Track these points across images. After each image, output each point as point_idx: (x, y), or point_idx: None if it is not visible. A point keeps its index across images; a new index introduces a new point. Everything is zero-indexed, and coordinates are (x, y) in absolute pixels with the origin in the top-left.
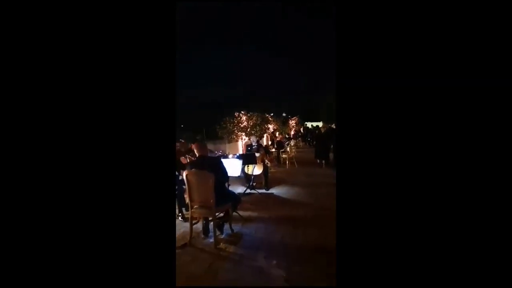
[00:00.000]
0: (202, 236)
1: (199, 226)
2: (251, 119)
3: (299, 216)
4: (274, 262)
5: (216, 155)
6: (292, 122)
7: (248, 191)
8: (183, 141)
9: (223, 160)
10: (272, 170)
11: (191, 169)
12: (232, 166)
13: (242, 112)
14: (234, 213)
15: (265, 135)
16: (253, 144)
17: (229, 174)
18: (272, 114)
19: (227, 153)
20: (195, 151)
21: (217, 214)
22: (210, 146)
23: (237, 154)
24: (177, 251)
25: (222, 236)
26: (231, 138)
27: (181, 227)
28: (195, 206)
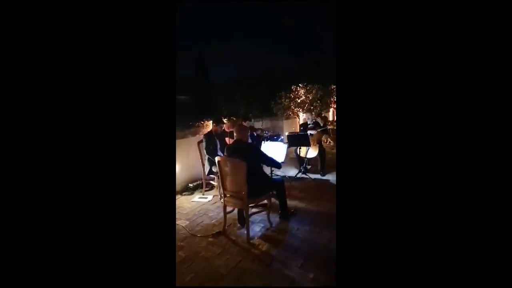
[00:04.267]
0: (238, 225)
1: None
2: (310, 93)
3: None
4: (311, 275)
5: (259, 135)
6: None
7: (300, 175)
8: (234, 119)
9: (266, 143)
10: (335, 150)
11: (226, 153)
12: (275, 151)
13: (300, 85)
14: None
15: (331, 110)
16: (309, 122)
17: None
18: None
19: (283, 131)
20: (235, 134)
21: (253, 204)
22: (267, 123)
23: (281, 136)
24: (209, 239)
25: (258, 229)
26: (288, 115)
27: (221, 211)
28: (227, 195)
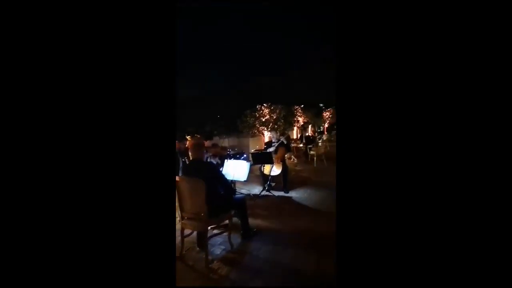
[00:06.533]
0: (197, 248)
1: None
2: (274, 112)
3: (319, 232)
4: None
5: (226, 154)
6: (327, 114)
7: (264, 193)
8: (198, 136)
9: (229, 162)
10: (298, 168)
11: (183, 173)
12: (238, 169)
13: (265, 104)
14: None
15: (295, 129)
16: (273, 140)
17: (234, 179)
18: (302, 105)
19: (249, 149)
20: (190, 153)
21: (213, 226)
22: (233, 141)
23: (244, 155)
24: None
25: (219, 252)
26: (254, 133)
27: (180, 234)
28: (185, 217)
